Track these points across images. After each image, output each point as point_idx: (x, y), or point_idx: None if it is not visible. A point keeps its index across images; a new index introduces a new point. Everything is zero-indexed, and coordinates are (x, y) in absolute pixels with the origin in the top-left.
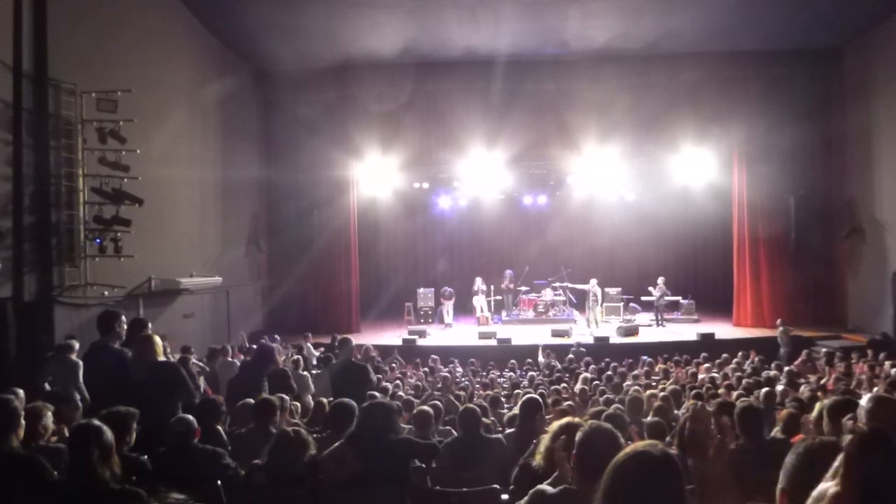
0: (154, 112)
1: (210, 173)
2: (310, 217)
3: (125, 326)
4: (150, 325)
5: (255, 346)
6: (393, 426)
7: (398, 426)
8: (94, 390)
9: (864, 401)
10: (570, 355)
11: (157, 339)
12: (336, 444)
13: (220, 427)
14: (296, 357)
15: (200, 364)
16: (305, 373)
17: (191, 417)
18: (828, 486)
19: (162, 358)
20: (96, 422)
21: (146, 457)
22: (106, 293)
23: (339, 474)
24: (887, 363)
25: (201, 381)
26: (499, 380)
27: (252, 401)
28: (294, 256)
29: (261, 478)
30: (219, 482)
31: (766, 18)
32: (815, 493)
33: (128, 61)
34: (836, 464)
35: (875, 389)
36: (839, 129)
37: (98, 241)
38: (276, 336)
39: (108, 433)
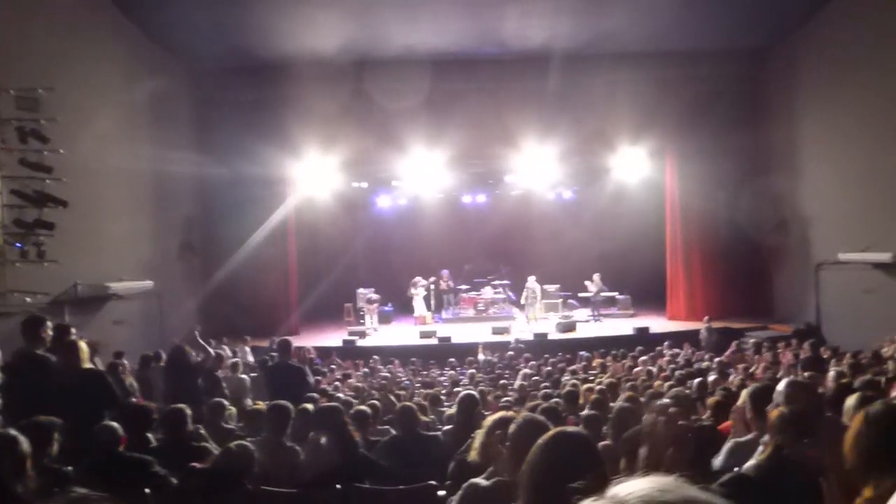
0: (80, 110)
1: (141, 174)
2: (247, 217)
3: (51, 332)
4: (73, 330)
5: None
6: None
7: (350, 434)
8: (16, 399)
9: (781, 386)
10: (510, 352)
11: (83, 345)
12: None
13: (150, 435)
14: (234, 360)
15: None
16: (244, 376)
17: (115, 425)
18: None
19: (88, 365)
20: (11, 432)
21: (70, 468)
22: (28, 300)
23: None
24: (808, 350)
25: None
26: (439, 378)
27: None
28: (230, 258)
29: (196, 483)
30: (147, 490)
31: (697, 19)
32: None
33: (50, 58)
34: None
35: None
36: (766, 129)
37: (19, 245)
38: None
39: (24, 444)
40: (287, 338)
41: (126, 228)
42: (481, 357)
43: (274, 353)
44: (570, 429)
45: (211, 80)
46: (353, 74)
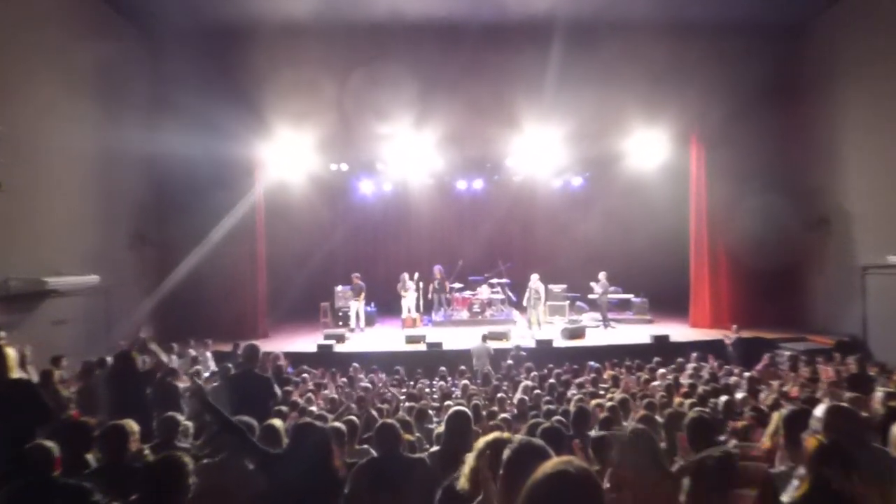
0: (16, 81)
1: (87, 153)
2: (208, 203)
3: None
4: (2, 333)
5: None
6: (327, 460)
7: (332, 461)
8: None
9: (819, 411)
10: (509, 361)
11: (10, 352)
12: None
13: (90, 456)
14: (195, 368)
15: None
16: (205, 386)
17: (50, 444)
18: None
19: (16, 374)
20: None
21: None
22: None
23: None
24: (853, 366)
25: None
26: (427, 390)
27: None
28: (189, 249)
29: None
30: None
31: None
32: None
33: None
34: None
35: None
36: (805, 112)
37: None
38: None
39: None
40: (254, 343)
41: (68, 215)
42: (475, 364)
43: (240, 360)
44: (573, 466)
45: (168, 46)
46: (331, 42)
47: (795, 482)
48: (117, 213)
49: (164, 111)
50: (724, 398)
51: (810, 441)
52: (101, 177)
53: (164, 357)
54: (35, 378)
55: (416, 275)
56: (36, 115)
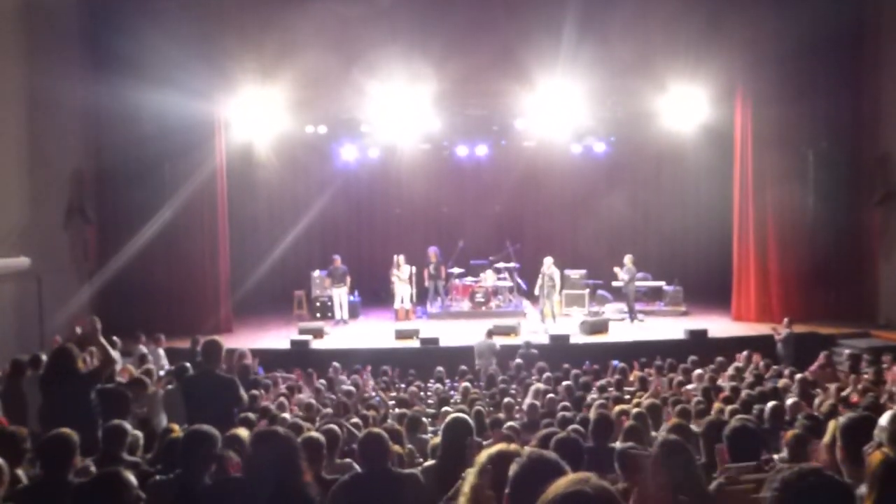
0: None
1: (10, 113)
2: (159, 172)
3: None
4: None
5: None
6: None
7: (300, 476)
8: None
9: (885, 420)
10: (518, 360)
11: None
12: None
13: (21, 471)
14: (147, 367)
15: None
16: (158, 389)
17: None
18: None
19: None
20: None
21: None
22: None
23: None
24: None
25: None
26: (421, 394)
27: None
28: (136, 227)
29: None
30: None
31: None
32: None
33: None
34: None
35: None
36: (873, 62)
37: None
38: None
39: None
40: (215, 338)
41: None
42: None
43: (199, 359)
44: (591, 486)
45: None
46: None
47: None
48: (50, 185)
49: (105, 58)
50: (771, 404)
51: (874, 455)
52: (29, 138)
53: (113, 353)
54: None
55: (402, 257)
56: None
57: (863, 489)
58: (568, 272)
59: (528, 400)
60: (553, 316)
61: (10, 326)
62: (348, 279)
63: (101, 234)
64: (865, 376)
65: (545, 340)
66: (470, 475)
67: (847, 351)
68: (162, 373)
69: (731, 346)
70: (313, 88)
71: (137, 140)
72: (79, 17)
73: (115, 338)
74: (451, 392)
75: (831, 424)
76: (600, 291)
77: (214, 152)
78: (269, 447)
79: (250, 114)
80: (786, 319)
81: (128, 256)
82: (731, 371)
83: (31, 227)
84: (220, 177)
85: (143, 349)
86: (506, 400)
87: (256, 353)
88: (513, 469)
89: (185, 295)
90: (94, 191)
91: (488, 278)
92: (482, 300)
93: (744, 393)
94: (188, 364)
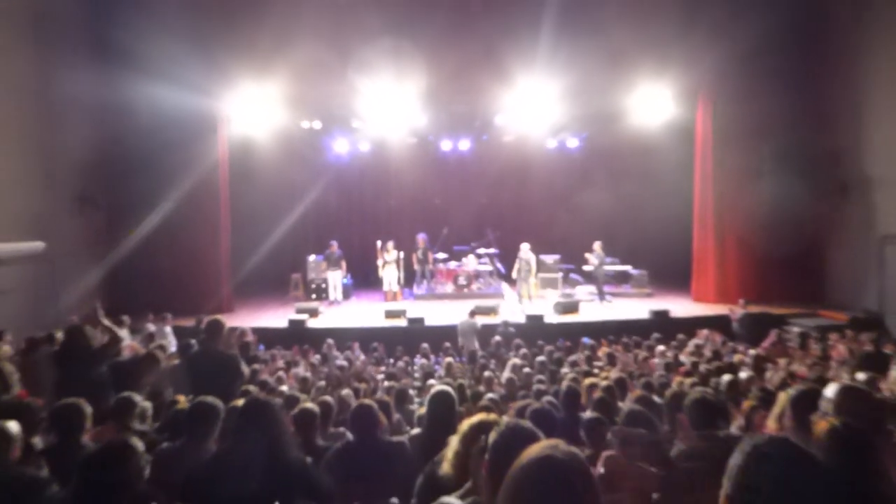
0: None
1: (23, 106)
2: (164, 163)
3: None
4: None
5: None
6: (275, 435)
7: (283, 435)
8: None
9: (830, 391)
10: (497, 338)
11: None
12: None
13: (37, 439)
14: (160, 342)
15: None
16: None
17: (8, 427)
18: None
19: None
20: None
21: None
22: None
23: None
24: (868, 343)
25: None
26: (408, 369)
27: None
28: (143, 214)
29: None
30: None
31: None
32: None
33: None
34: None
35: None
36: (826, 65)
37: None
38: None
39: None
40: (218, 317)
41: (4, 175)
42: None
43: (203, 337)
44: (560, 451)
45: None
46: None
47: None
48: (63, 174)
49: (112, 56)
50: (727, 377)
51: (820, 424)
52: (42, 130)
53: (121, 332)
54: None
55: (391, 243)
56: None
57: None
58: (543, 257)
59: (506, 374)
60: (529, 297)
61: (27, 304)
62: (343, 263)
63: (111, 220)
64: (813, 352)
65: (522, 320)
66: (454, 442)
67: (796, 329)
68: (173, 349)
69: (691, 325)
70: (308, 86)
71: (144, 133)
72: (87, 19)
73: (124, 317)
74: (436, 367)
75: (782, 396)
76: (572, 275)
77: (216, 145)
78: (256, 415)
79: (250, 109)
80: (741, 300)
81: (136, 242)
82: (691, 347)
83: (44, 214)
84: (221, 167)
85: (152, 327)
86: (486, 374)
87: (256, 331)
88: (492, 437)
89: (189, 277)
90: (104, 180)
91: (470, 263)
92: (464, 283)
93: (702, 367)
94: (193, 341)
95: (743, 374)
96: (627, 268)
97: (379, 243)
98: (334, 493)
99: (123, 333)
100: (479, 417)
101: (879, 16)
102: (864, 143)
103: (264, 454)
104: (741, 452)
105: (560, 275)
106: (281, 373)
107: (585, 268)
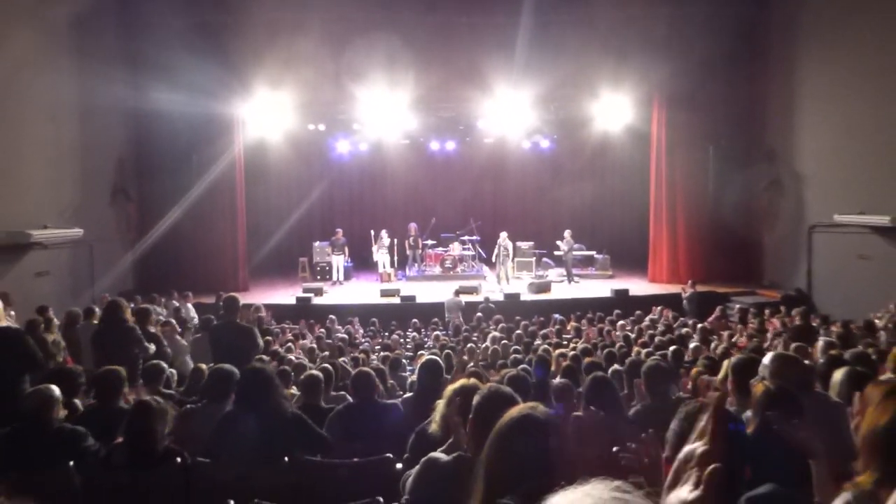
0: None
1: (65, 109)
2: (188, 160)
3: None
4: None
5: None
6: (272, 396)
7: (279, 396)
8: None
9: (766, 359)
10: (479, 314)
11: None
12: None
13: (78, 401)
14: (168, 319)
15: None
16: (180, 338)
17: (52, 389)
18: (695, 446)
19: (3, 322)
20: None
21: None
22: None
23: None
24: (798, 318)
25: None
26: (401, 341)
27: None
28: (170, 205)
29: (119, 458)
30: (71, 463)
31: None
32: (681, 454)
33: None
34: (702, 423)
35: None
36: (763, 77)
37: None
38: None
39: None
40: (234, 294)
41: (49, 170)
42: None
43: (221, 312)
44: (538, 411)
45: (144, 2)
46: (307, 2)
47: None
48: (99, 169)
49: (142, 67)
50: (672, 347)
51: (758, 387)
52: (81, 132)
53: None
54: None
55: (385, 231)
56: (12, 71)
57: (749, 413)
58: (519, 244)
59: (487, 345)
60: (507, 279)
61: (67, 284)
62: (346, 249)
63: (141, 210)
64: (752, 326)
65: (501, 298)
66: (440, 405)
67: (737, 306)
68: (195, 322)
69: (647, 302)
70: (314, 94)
71: (170, 134)
72: (120, 34)
73: (154, 294)
74: (426, 339)
75: (725, 364)
76: (544, 259)
77: (234, 145)
78: (255, 381)
79: (263, 113)
80: (690, 281)
81: (163, 229)
82: (647, 322)
83: (83, 205)
84: (238, 164)
85: (176, 303)
86: (469, 345)
87: (268, 307)
88: (475, 399)
89: (210, 261)
90: (135, 175)
91: (455, 248)
92: (450, 266)
93: (657, 339)
94: (213, 317)
95: (691, 345)
96: (592, 253)
97: (373, 232)
98: (332, 445)
99: (160, 310)
100: (461, 382)
101: (808, 33)
102: (795, 144)
103: (268, 413)
104: (676, 418)
105: (534, 259)
106: (290, 344)
107: (556, 253)
